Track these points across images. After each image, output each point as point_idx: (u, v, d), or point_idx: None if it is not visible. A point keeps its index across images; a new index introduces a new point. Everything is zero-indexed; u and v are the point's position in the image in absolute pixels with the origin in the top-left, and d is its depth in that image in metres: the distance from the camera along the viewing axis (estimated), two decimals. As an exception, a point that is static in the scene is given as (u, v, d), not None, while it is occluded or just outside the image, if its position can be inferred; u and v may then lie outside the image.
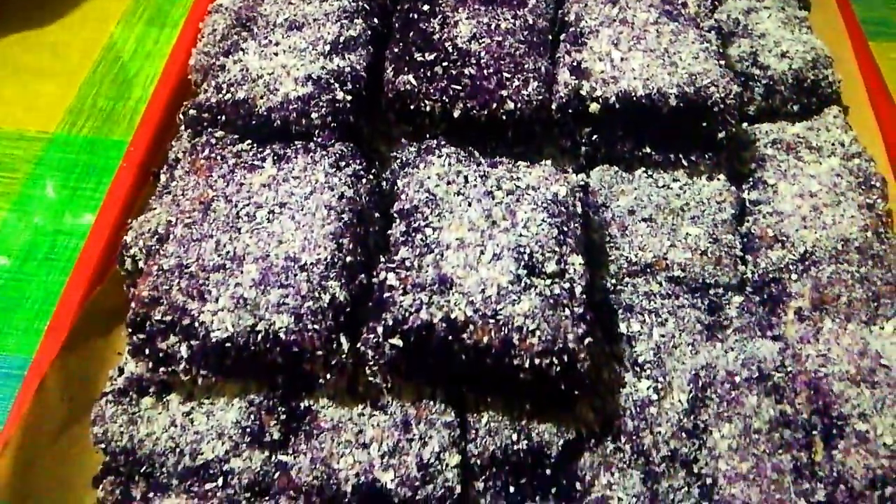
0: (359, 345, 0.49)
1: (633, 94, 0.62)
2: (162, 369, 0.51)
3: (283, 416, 0.52)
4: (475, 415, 0.53)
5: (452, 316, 0.48)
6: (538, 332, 0.47)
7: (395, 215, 0.55)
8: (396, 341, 0.47)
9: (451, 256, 0.51)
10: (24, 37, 0.89)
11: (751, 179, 0.68)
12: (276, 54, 0.66)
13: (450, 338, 0.47)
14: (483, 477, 0.52)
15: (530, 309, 0.48)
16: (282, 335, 0.48)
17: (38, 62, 0.87)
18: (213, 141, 0.60)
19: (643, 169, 0.67)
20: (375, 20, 0.69)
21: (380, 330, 0.48)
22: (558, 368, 0.47)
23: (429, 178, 0.56)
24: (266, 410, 0.52)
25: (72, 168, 0.77)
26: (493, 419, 0.52)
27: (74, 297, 0.61)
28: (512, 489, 0.52)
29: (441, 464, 0.50)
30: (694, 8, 0.71)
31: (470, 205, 0.54)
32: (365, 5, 0.69)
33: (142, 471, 0.51)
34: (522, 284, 0.49)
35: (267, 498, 0.50)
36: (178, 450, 0.51)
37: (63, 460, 0.54)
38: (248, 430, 0.51)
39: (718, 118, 0.63)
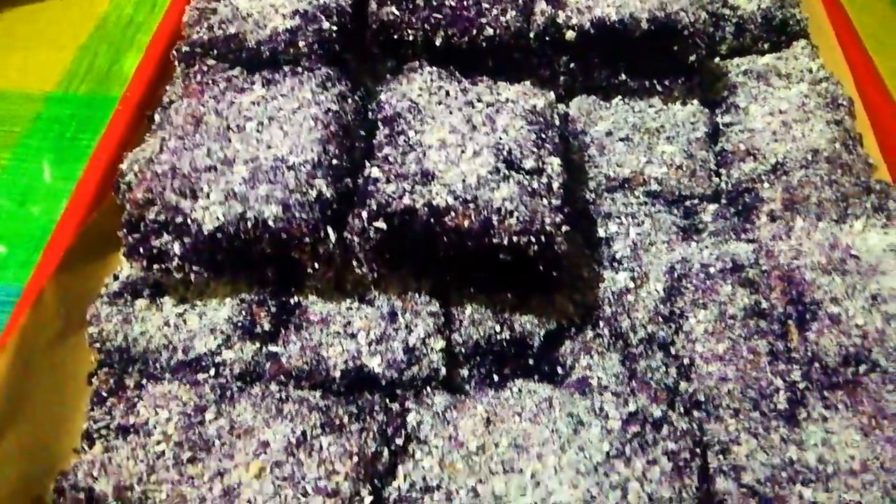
0: (345, 233, 0.51)
1: (607, 19, 0.65)
2: (156, 267, 0.52)
3: (273, 310, 0.54)
4: (459, 308, 0.54)
5: (434, 202, 0.50)
6: (516, 214, 0.49)
7: (379, 122, 0.57)
8: (380, 224, 0.49)
9: (432, 154, 0.53)
10: (21, 11, 0.92)
11: (723, 104, 0.71)
12: (264, -9, 0.69)
13: (431, 221, 0.49)
14: (468, 365, 0.53)
15: (509, 195, 0.50)
16: (270, 223, 0.50)
17: (36, 32, 0.90)
18: (205, 69, 0.62)
19: (620, 97, 0.70)
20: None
21: (364, 215, 0.50)
22: (536, 248, 0.49)
23: (411, 89, 0.59)
24: (257, 304, 0.54)
25: (69, 121, 0.80)
26: (477, 311, 0.54)
27: (71, 223, 0.63)
28: (496, 377, 0.53)
29: (426, 348, 0.52)
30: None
31: (451, 112, 0.57)
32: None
33: (135, 367, 0.53)
34: (501, 175, 0.52)
35: (258, 384, 0.51)
36: (170, 346, 0.53)
37: (58, 366, 0.56)
38: (240, 324, 0.53)
39: (689, 41, 0.65)
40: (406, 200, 0.49)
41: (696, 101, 0.69)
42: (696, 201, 0.63)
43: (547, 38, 0.67)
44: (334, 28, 0.64)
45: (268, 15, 0.67)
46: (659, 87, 0.69)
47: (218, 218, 0.50)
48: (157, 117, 0.70)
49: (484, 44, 0.65)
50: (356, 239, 0.50)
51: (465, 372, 0.53)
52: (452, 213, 0.49)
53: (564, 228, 0.51)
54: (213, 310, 0.54)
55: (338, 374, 0.51)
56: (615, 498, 0.44)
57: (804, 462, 0.46)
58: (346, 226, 0.51)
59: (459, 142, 0.54)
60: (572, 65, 0.68)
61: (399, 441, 0.48)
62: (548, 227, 0.50)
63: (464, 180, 0.51)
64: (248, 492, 0.46)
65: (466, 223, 0.49)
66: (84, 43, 0.88)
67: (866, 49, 0.76)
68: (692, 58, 0.66)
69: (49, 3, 0.94)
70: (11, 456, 0.50)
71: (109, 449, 0.47)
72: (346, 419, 0.49)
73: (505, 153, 0.53)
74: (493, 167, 0.52)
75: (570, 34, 0.66)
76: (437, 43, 0.65)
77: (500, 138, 0.55)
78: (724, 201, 0.64)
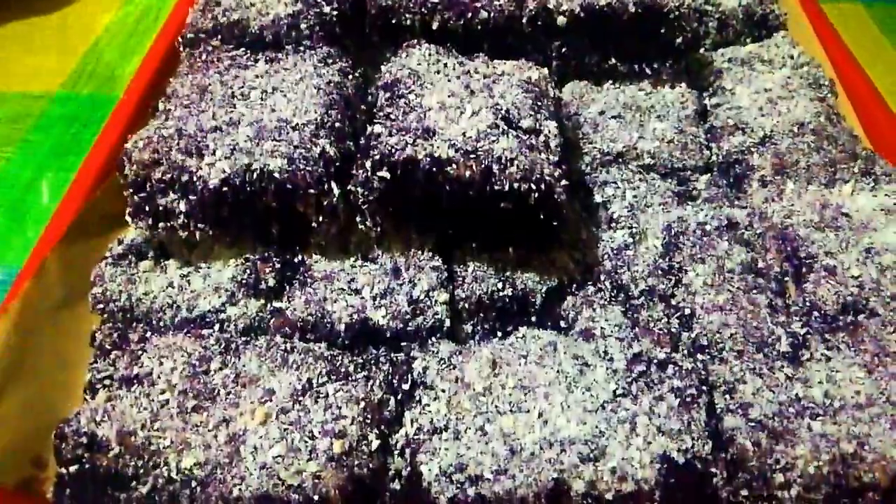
0: (349, 186, 0.52)
1: (596, 3, 0.68)
2: (161, 225, 0.53)
3: (277, 266, 0.54)
4: (461, 266, 0.55)
5: (436, 154, 0.51)
6: (517, 163, 0.51)
7: (380, 89, 0.59)
8: (384, 174, 0.50)
9: (432, 114, 0.55)
10: (30, 22, 0.95)
11: (710, 89, 0.73)
12: (266, -13, 0.71)
13: (433, 169, 0.50)
14: (471, 322, 0.54)
15: (508, 146, 0.52)
16: (276, 175, 0.50)
17: (43, 40, 0.92)
18: (210, 48, 0.64)
19: (610, 81, 0.72)
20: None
21: (368, 165, 0.51)
22: (536, 196, 0.50)
23: (410, 61, 0.61)
24: (261, 261, 0.54)
25: (73, 119, 0.81)
26: (479, 268, 0.55)
27: (74, 201, 0.63)
28: (500, 333, 0.53)
29: (430, 300, 0.52)
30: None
31: (449, 80, 0.59)
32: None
33: (139, 325, 0.52)
34: (500, 130, 0.53)
35: (262, 337, 0.51)
36: (174, 305, 0.53)
37: (61, 332, 0.55)
38: (244, 281, 0.53)
39: (675, 24, 0.68)
40: (408, 151, 0.51)
41: (683, 85, 0.72)
42: (688, 173, 0.64)
43: (539, 23, 0.69)
44: (335, 12, 0.67)
45: (270, 3, 0.69)
46: (648, 71, 0.71)
47: (223, 171, 0.51)
48: (161, 105, 0.72)
49: (479, 27, 0.68)
50: (360, 190, 0.51)
51: (468, 328, 0.53)
52: (454, 164, 0.51)
53: (563, 182, 0.52)
54: (216, 271, 0.54)
55: (342, 327, 0.51)
56: (624, 431, 0.44)
57: (810, 398, 0.46)
58: (350, 181, 0.52)
59: (458, 104, 0.56)
60: (564, 49, 0.71)
61: (405, 387, 0.48)
62: (547, 177, 0.51)
63: (464, 134, 0.52)
64: (254, 437, 0.45)
65: (468, 173, 0.50)
66: (89, 48, 0.90)
67: (843, 40, 0.80)
68: (678, 40, 0.69)
69: (55, 13, 0.97)
70: (10, 414, 0.50)
71: (113, 398, 0.47)
72: (351, 368, 0.49)
73: (503, 112, 0.55)
74: (493, 123, 0.53)
75: (561, 19, 0.69)
76: (434, 27, 0.68)
77: (498, 102, 0.56)
78: (715, 172, 0.65)
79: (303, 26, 0.65)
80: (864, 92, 0.73)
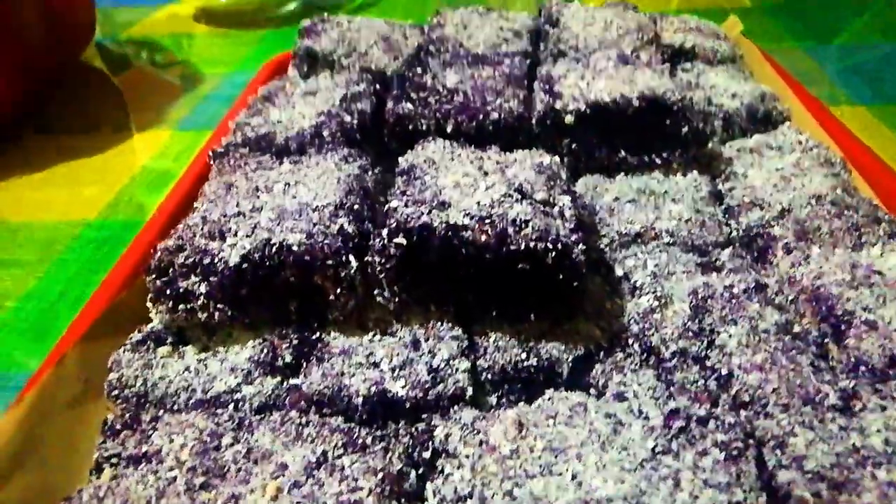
0: (366, 257, 0.52)
1: (601, 101, 0.71)
2: (181, 307, 0.53)
3: (295, 342, 0.53)
4: (483, 337, 0.53)
5: (451, 221, 0.51)
6: (531, 224, 0.51)
7: (397, 175, 0.61)
8: (400, 240, 0.51)
9: (448, 191, 0.56)
10: (75, 163, 1.02)
11: (722, 175, 0.74)
12: (293, 107, 0.77)
13: (449, 234, 0.50)
14: (496, 393, 0.51)
15: (523, 211, 0.52)
16: (294, 248, 0.51)
17: (84, 177, 0.99)
18: (238, 155, 0.68)
19: (623, 173, 0.74)
20: (377, 86, 0.81)
21: (384, 232, 0.51)
22: (553, 255, 0.50)
23: (426, 151, 0.63)
24: (278, 338, 0.53)
25: (105, 240, 0.84)
26: (501, 339, 0.53)
27: (101, 300, 0.64)
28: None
29: (451, 368, 0.50)
30: (646, 58, 0.83)
31: (464, 164, 0.61)
32: (368, 75, 0.82)
33: (152, 405, 0.51)
34: (515, 199, 0.54)
35: (277, 412, 0.49)
36: (190, 388, 0.51)
37: (75, 424, 0.54)
38: (261, 360, 0.52)
39: (678, 115, 0.71)
40: (424, 219, 0.51)
41: (695, 171, 0.73)
42: (709, 248, 0.64)
43: (548, 122, 0.73)
44: (355, 121, 0.71)
45: (296, 119, 0.74)
46: (658, 161, 0.73)
47: (244, 247, 0.52)
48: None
49: (490, 127, 0.71)
50: (377, 259, 0.51)
51: (493, 399, 0.51)
52: (469, 230, 0.51)
53: (581, 246, 0.52)
54: (234, 353, 0.54)
55: (360, 400, 0.49)
56: (667, 488, 0.40)
57: (870, 447, 0.42)
58: (368, 252, 0.53)
59: (472, 182, 0.57)
60: (574, 145, 0.73)
61: (426, 455, 0.45)
62: (563, 238, 0.51)
63: (478, 203, 0.53)
64: (264, 514, 0.42)
65: (483, 237, 0.51)
66: (126, 185, 0.96)
67: (847, 126, 0.82)
68: (685, 130, 0.71)
69: (98, 155, 1.04)
70: (11, 499, 0.47)
71: (118, 476, 0.44)
72: (369, 440, 0.46)
73: (516, 186, 0.56)
74: (506, 193, 0.54)
75: (568, 118, 0.72)
76: (448, 130, 0.71)
77: (511, 180, 0.58)
78: (737, 246, 0.65)
79: (325, 133, 0.70)
80: (877, 168, 0.74)
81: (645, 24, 0.93)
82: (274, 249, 0.51)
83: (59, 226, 0.87)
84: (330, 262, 0.51)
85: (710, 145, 0.80)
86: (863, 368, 0.49)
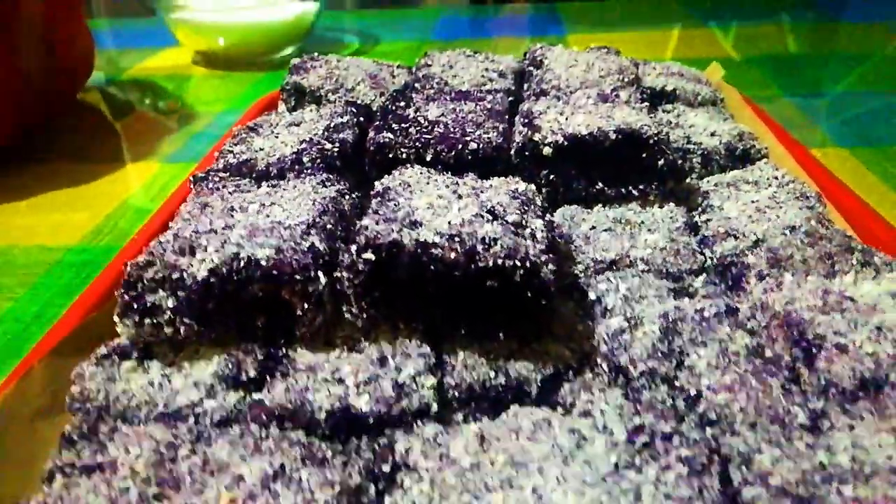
0: (335, 273, 0.52)
1: (578, 134, 0.72)
2: (147, 321, 0.53)
3: (259, 358, 0.52)
4: (451, 355, 0.53)
5: (421, 238, 0.52)
6: (500, 242, 0.51)
7: (372, 197, 0.61)
8: (369, 255, 0.51)
9: (420, 211, 0.56)
10: (67, 192, 1.03)
11: (699, 208, 0.75)
12: (276, 136, 0.78)
13: (418, 251, 0.51)
14: (462, 411, 0.50)
15: (493, 230, 0.52)
16: (262, 262, 0.51)
17: (72, 204, 1.00)
18: (217, 178, 0.69)
19: (600, 205, 0.74)
20: (362, 118, 0.83)
21: (353, 248, 0.51)
22: (521, 273, 0.50)
23: (402, 176, 0.64)
24: (243, 352, 0.52)
25: (85, 264, 0.84)
26: (469, 357, 0.52)
27: (72, 318, 0.64)
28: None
29: (416, 384, 0.49)
30: (625, 97, 0.85)
31: (438, 187, 0.61)
32: (352, 108, 0.84)
33: (110, 419, 0.50)
34: (486, 219, 0.54)
35: (237, 425, 0.48)
36: (152, 402, 0.51)
37: (35, 441, 0.52)
38: (224, 375, 0.51)
39: (654, 148, 0.72)
40: (394, 235, 0.51)
41: (671, 204, 0.74)
42: (683, 276, 0.64)
43: (526, 153, 0.74)
44: (336, 148, 0.72)
45: (277, 147, 0.75)
46: (635, 193, 0.74)
47: (212, 261, 0.52)
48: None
49: (469, 156, 0.72)
50: (345, 274, 0.51)
51: (459, 417, 0.50)
52: (438, 248, 0.51)
53: (551, 266, 0.52)
54: (199, 369, 0.53)
55: (323, 415, 0.48)
56: (628, 502, 0.39)
57: (837, 464, 0.41)
58: (337, 269, 0.53)
59: (446, 204, 0.58)
60: (552, 177, 0.74)
61: (385, 469, 0.44)
62: (532, 256, 0.51)
63: (449, 223, 0.53)
64: (217, 525, 0.41)
65: (452, 254, 0.51)
66: (112, 211, 0.97)
67: (829, 169, 0.83)
68: (661, 162, 0.72)
69: (91, 183, 1.05)
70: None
71: (70, 485, 0.43)
72: (329, 454, 0.45)
73: (489, 208, 0.56)
74: (478, 214, 0.55)
75: (546, 150, 0.73)
76: (428, 158, 0.72)
77: (484, 202, 0.58)
78: (712, 275, 0.65)
79: (305, 159, 0.70)
80: (854, 205, 0.75)
81: (627, 66, 0.95)
82: (242, 264, 0.51)
83: (41, 250, 0.88)
84: (298, 276, 0.51)
85: (688, 180, 0.81)
86: (833, 391, 0.49)
